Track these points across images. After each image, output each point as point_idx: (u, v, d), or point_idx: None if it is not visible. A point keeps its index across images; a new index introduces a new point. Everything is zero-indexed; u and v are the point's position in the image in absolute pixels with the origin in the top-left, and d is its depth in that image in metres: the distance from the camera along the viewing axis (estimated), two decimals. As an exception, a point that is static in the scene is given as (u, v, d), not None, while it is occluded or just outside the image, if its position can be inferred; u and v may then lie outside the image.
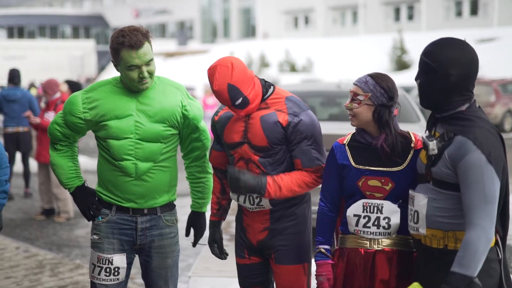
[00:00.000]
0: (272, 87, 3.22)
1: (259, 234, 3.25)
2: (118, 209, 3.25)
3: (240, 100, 3.05)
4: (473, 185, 2.52)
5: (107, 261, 3.24)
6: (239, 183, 3.07)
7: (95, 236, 3.27)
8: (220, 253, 3.42)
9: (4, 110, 9.35)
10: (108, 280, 3.25)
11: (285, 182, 3.10)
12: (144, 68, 3.08)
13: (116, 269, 3.25)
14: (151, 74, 3.13)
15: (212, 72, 3.05)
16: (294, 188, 3.11)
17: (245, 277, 3.37)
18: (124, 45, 3.03)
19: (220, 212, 3.41)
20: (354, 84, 2.97)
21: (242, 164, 3.18)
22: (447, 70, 2.64)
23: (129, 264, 3.31)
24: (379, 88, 2.92)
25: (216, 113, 3.33)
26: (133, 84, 3.13)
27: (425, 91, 2.72)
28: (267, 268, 3.35)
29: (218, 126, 3.28)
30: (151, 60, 3.12)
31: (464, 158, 2.55)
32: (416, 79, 2.76)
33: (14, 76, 9.42)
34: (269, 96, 3.18)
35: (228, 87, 3.02)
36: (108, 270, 3.24)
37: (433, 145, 2.65)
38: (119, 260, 3.25)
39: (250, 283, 3.38)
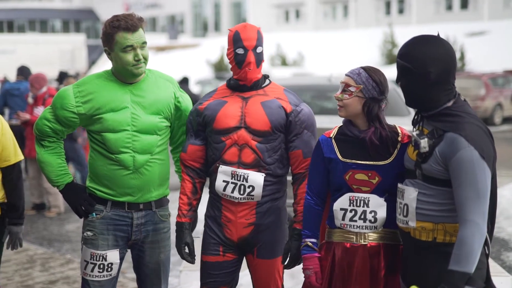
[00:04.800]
0: (269, 79, 3.26)
1: (242, 230, 3.19)
2: (113, 205, 3.24)
3: (261, 49, 3.14)
4: (466, 181, 2.53)
5: (101, 257, 3.23)
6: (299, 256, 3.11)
7: (89, 233, 3.25)
8: (191, 256, 3.27)
9: (8, 104, 9.36)
10: (101, 276, 3.25)
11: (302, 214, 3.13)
12: (139, 51, 3.11)
13: (110, 265, 3.25)
14: (145, 59, 3.15)
15: (242, 24, 3.17)
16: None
17: (214, 276, 3.24)
18: (119, 28, 3.07)
19: (191, 213, 3.27)
20: (347, 75, 2.97)
21: (234, 150, 3.13)
22: (426, 69, 2.65)
23: (121, 259, 3.31)
24: (371, 81, 2.92)
25: (200, 103, 3.24)
26: (127, 69, 3.13)
27: (409, 92, 2.74)
28: (239, 265, 3.29)
29: (207, 113, 3.19)
30: (145, 43, 3.16)
31: (456, 154, 2.55)
32: (397, 82, 2.77)
33: (19, 71, 9.55)
34: (267, 85, 3.22)
35: (258, 32, 3.15)
36: (101, 266, 3.23)
37: (424, 143, 2.66)
38: (113, 256, 3.25)
39: (218, 283, 3.25)
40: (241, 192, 3.14)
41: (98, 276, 3.24)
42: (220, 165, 3.16)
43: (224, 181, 3.15)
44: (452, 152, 2.57)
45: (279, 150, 3.16)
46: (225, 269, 3.25)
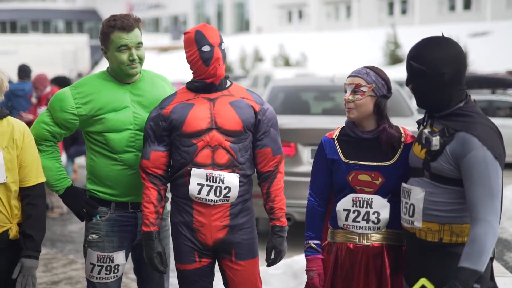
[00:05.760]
0: (229, 80, 3.25)
1: (217, 233, 3.13)
2: (117, 206, 3.24)
3: (224, 46, 3.14)
4: (479, 181, 2.53)
5: (108, 259, 3.23)
6: (283, 251, 3.21)
7: (94, 236, 3.23)
8: (164, 266, 3.16)
9: (13, 104, 9.37)
10: (108, 278, 3.25)
11: (281, 203, 3.22)
12: (134, 51, 3.12)
13: (116, 267, 3.25)
14: (140, 59, 3.16)
15: (201, 24, 3.20)
16: (283, 198, 3.25)
17: (195, 282, 3.19)
18: (115, 27, 3.09)
19: (158, 221, 3.14)
20: (355, 76, 2.94)
21: (207, 152, 3.08)
22: (440, 70, 2.65)
23: (126, 259, 3.32)
24: (380, 79, 2.94)
25: (162, 108, 3.13)
26: (122, 68, 3.14)
27: (422, 94, 2.73)
28: (213, 269, 3.25)
29: (174, 117, 3.09)
30: (141, 44, 3.17)
31: (468, 154, 2.55)
32: (407, 84, 2.75)
33: (19, 71, 9.52)
34: (230, 86, 3.22)
35: (218, 31, 3.19)
36: (108, 268, 3.23)
37: (436, 140, 2.66)
38: (119, 257, 3.26)
39: None
40: (217, 194, 3.09)
41: (105, 278, 3.24)
42: (193, 168, 3.09)
43: (198, 184, 3.08)
44: (464, 152, 2.57)
45: (249, 150, 3.17)
46: (203, 274, 3.20)
